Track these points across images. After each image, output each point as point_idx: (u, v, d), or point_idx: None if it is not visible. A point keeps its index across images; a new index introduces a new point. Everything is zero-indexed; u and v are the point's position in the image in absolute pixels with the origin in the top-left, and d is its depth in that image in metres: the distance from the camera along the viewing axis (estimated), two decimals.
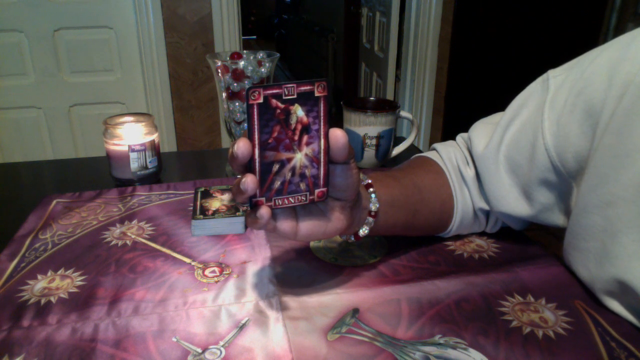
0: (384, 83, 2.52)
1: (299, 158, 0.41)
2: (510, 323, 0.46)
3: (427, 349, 0.43)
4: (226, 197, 0.69)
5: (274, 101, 0.39)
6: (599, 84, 0.45)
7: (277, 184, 0.41)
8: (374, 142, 0.83)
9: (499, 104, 0.62)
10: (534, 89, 0.54)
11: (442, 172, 0.59)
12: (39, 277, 0.53)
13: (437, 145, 0.63)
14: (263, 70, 0.76)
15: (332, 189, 0.44)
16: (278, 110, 0.39)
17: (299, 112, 0.40)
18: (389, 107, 0.85)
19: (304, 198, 0.43)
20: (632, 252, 0.42)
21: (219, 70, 0.76)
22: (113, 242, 0.61)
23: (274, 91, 0.38)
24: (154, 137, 0.78)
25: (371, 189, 0.50)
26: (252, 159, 0.40)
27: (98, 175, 0.84)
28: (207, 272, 0.54)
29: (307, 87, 0.39)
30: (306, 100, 0.40)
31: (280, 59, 0.82)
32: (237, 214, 0.63)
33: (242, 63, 0.75)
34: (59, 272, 0.54)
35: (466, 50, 2.31)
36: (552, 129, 0.49)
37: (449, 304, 0.49)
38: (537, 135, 0.50)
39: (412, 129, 0.86)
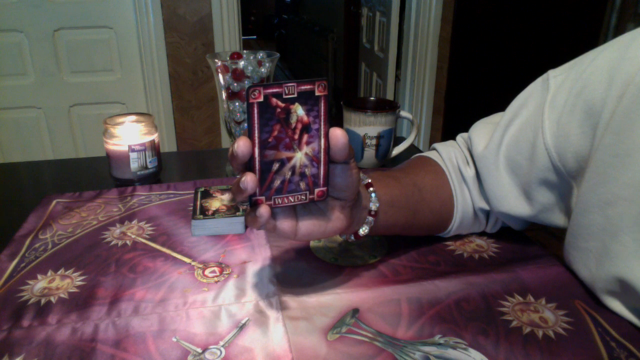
0: (384, 83, 2.52)
1: (299, 157, 0.41)
2: (510, 323, 0.46)
3: (427, 349, 0.43)
4: (226, 197, 0.69)
5: (274, 100, 0.39)
6: (599, 83, 0.45)
7: (277, 183, 0.41)
8: (374, 142, 0.83)
9: (499, 104, 0.62)
10: (534, 89, 0.54)
11: (442, 172, 0.59)
12: (39, 277, 0.53)
13: (437, 145, 0.63)
14: (263, 70, 0.76)
15: (332, 189, 0.44)
16: (278, 109, 0.39)
17: (299, 111, 0.40)
18: (389, 107, 0.85)
19: (304, 197, 0.43)
20: (633, 251, 0.42)
21: (219, 70, 0.76)
22: (113, 242, 0.61)
23: (275, 90, 0.38)
24: (154, 137, 0.78)
25: (371, 189, 0.50)
26: (252, 157, 0.40)
27: (98, 175, 0.84)
28: (207, 272, 0.54)
29: (308, 87, 0.39)
30: (306, 99, 0.40)
31: (280, 59, 0.82)
32: (237, 214, 0.63)
33: (242, 63, 0.75)
34: (59, 272, 0.54)
35: (466, 50, 2.31)
36: (552, 129, 0.49)
37: (449, 304, 0.49)
38: (537, 135, 0.50)
39: (412, 129, 0.86)
